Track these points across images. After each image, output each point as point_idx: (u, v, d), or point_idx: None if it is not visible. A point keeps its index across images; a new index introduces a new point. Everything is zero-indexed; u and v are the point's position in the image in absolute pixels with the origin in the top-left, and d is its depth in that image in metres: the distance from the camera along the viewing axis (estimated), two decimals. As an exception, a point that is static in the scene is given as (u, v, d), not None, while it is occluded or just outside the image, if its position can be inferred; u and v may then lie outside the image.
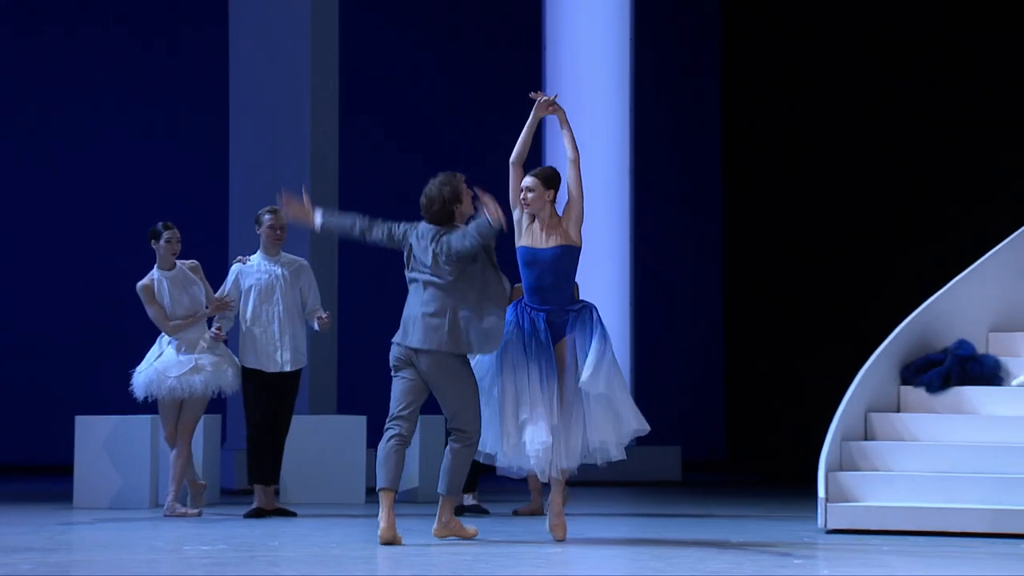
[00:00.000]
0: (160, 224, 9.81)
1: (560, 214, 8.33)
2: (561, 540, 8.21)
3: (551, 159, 13.15)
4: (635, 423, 8.17)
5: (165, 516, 9.71)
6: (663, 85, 14.97)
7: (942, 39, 14.42)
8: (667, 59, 15.19)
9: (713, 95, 15.49)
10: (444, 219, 8.20)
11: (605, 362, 8.08)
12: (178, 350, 9.72)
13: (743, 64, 15.30)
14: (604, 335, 8.16)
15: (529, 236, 8.29)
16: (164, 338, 9.82)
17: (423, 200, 8.25)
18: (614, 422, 8.14)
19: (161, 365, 9.68)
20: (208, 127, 13.85)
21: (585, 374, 8.06)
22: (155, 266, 9.81)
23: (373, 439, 11.43)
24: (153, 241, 9.79)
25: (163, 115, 14.89)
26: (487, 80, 15.37)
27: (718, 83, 15.46)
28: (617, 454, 8.20)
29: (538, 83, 13.69)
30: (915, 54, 14.49)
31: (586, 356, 8.08)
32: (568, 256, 8.25)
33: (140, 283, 9.76)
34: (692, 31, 15.61)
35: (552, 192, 8.31)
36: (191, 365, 9.67)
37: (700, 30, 15.58)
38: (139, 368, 9.78)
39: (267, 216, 9.91)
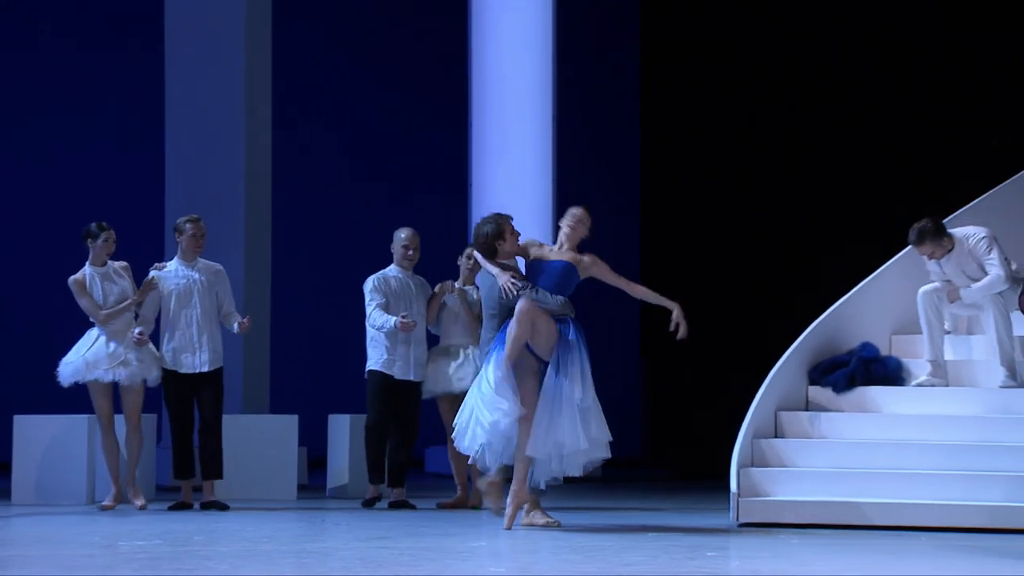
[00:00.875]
0: (95, 224, 10.16)
1: (577, 246, 9.10)
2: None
3: (477, 180, 13.44)
4: (604, 436, 8.90)
5: (101, 509, 10.04)
6: (585, 93, 15.24)
7: (861, 41, 14.66)
8: (588, 67, 15.47)
9: (632, 97, 15.75)
10: (489, 255, 8.95)
11: (589, 378, 8.85)
12: (107, 343, 10.05)
13: (663, 70, 15.54)
14: (586, 351, 8.90)
15: (541, 252, 9.07)
16: (93, 332, 10.14)
17: (474, 236, 9.09)
18: (588, 436, 8.83)
19: (91, 356, 10.03)
20: (147, 136, 14.02)
21: (580, 392, 8.77)
22: (87, 263, 10.15)
23: (304, 438, 11.69)
24: (89, 240, 10.14)
25: (102, 124, 15.02)
26: (414, 86, 15.61)
27: (637, 88, 15.73)
28: (585, 467, 8.93)
29: (464, 89, 13.96)
30: (836, 56, 14.73)
31: (566, 367, 8.77)
32: (571, 273, 8.99)
33: (72, 277, 10.13)
34: (612, 38, 15.88)
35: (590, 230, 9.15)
36: (120, 359, 10.02)
37: (620, 36, 15.85)
38: (66, 359, 10.09)
39: (188, 225, 10.29)
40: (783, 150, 14.84)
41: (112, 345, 10.04)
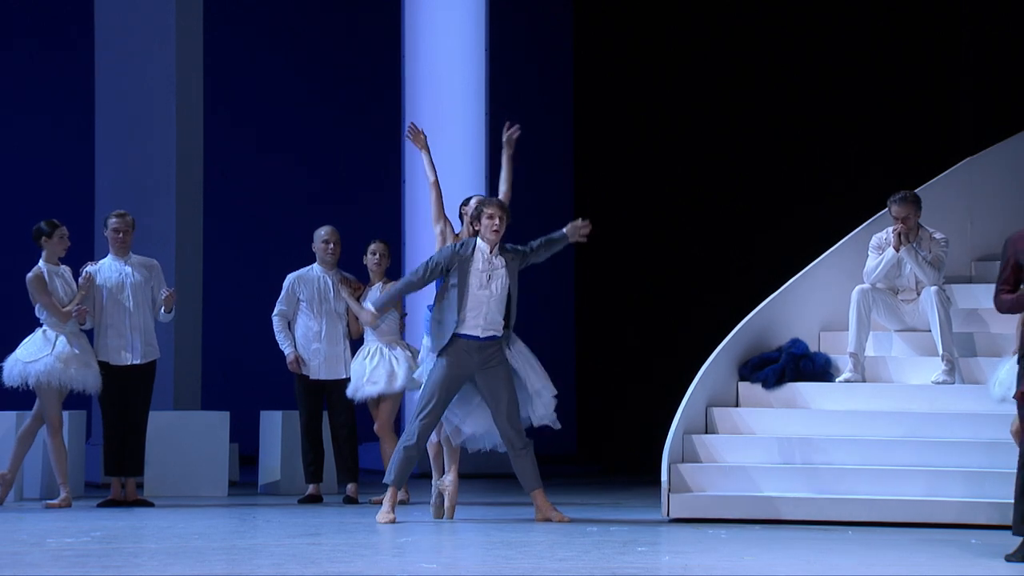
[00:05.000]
0: (44, 223, 10.13)
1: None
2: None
3: (411, 178, 13.48)
4: None
5: (46, 507, 10.03)
6: (518, 87, 15.28)
7: (793, 37, 14.76)
8: (521, 61, 15.51)
9: (566, 89, 15.79)
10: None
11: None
12: (70, 345, 10.04)
13: (595, 61, 15.57)
14: None
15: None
16: (44, 333, 10.08)
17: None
18: None
19: (61, 356, 9.99)
20: (77, 132, 13.92)
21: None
22: (41, 260, 10.11)
23: (236, 434, 11.68)
24: (44, 238, 10.09)
25: (31, 121, 14.90)
26: (347, 83, 15.58)
27: (570, 80, 15.77)
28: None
29: (397, 86, 13.96)
30: (766, 51, 14.83)
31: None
32: None
33: (30, 274, 10.08)
34: (545, 29, 15.92)
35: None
36: (84, 361, 10.03)
37: (553, 26, 15.88)
38: (25, 357, 10.01)
39: (112, 220, 10.32)
40: (717, 141, 14.91)
41: (76, 348, 10.03)
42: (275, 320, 10.69)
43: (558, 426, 9.24)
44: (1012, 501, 8.60)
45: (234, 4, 14.99)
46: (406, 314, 10.75)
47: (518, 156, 13.29)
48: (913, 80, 14.46)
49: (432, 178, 9.56)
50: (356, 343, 10.73)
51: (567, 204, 15.74)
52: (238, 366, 14.55)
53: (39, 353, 9.98)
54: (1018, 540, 7.40)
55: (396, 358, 10.46)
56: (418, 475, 12.44)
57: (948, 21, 14.42)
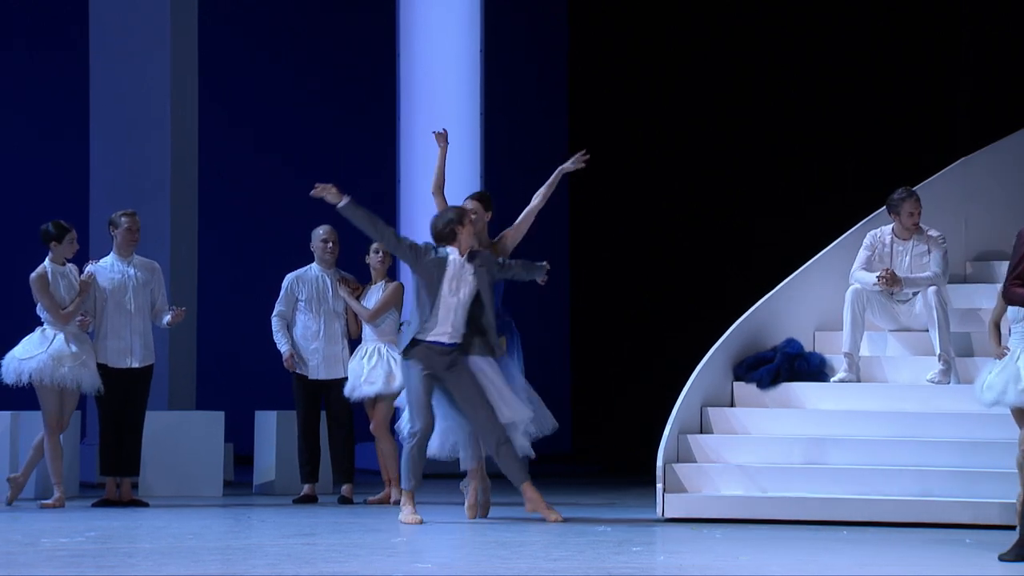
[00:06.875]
0: (53, 225, 10.10)
1: (491, 237, 9.51)
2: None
3: (406, 177, 13.47)
4: None
5: (41, 507, 10.03)
6: (513, 88, 15.28)
7: (786, 40, 14.80)
8: (516, 62, 15.51)
9: (560, 90, 15.80)
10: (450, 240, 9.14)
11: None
12: (67, 343, 10.01)
13: (591, 64, 15.60)
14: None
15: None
16: (41, 332, 10.08)
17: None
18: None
19: (56, 353, 9.96)
20: (71, 131, 13.92)
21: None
22: (47, 260, 10.09)
23: (230, 434, 11.68)
24: (53, 242, 10.09)
25: (25, 120, 14.89)
26: (342, 83, 15.58)
27: (565, 82, 15.78)
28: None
29: (392, 86, 13.97)
30: (764, 54, 14.87)
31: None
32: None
33: (34, 273, 10.07)
34: (540, 31, 15.92)
35: (489, 214, 9.51)
36: (80, 360, 9.99)
37: (548, 28, 15.88)
38: (21, 354, 10.00)
39: (124, 219, 10.26)
40: (713, 139, 14.93)
41: (73, 346, 9.99)
42: (274, 321, 10.69)
43: (533, 455, 9.29)
44: (1009, 500, 8.61)
45: (231, 3, 14.99)
46: (405, 321, 10.74)
47: (517, 160, 13.25)
48: (910, 80, 14.47)
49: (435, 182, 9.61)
50: (355, 343, 10.73)
51: (563, 205, 15.74)
52: (233, 366, 14.55)
53: (35, 351, 9.98)
54: (1012, 539, 7.40)
55: (394, 358, 10.46)
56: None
57: (948, 21, 14.43)
